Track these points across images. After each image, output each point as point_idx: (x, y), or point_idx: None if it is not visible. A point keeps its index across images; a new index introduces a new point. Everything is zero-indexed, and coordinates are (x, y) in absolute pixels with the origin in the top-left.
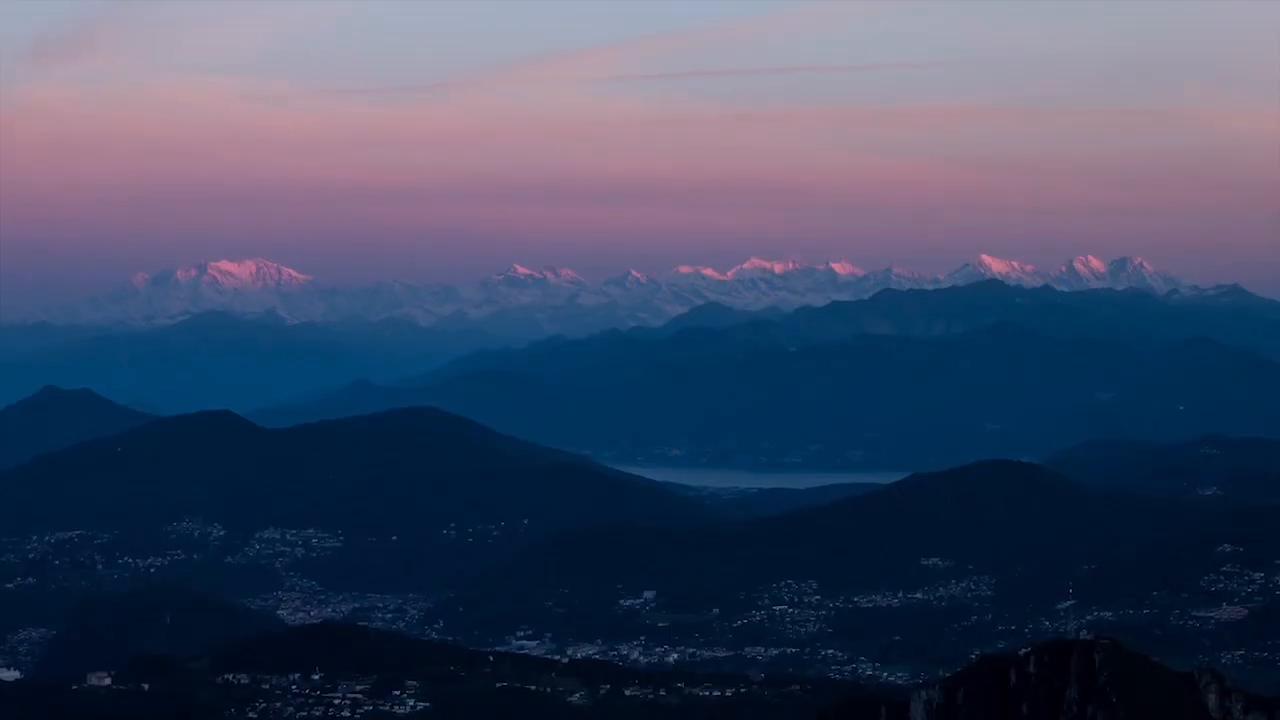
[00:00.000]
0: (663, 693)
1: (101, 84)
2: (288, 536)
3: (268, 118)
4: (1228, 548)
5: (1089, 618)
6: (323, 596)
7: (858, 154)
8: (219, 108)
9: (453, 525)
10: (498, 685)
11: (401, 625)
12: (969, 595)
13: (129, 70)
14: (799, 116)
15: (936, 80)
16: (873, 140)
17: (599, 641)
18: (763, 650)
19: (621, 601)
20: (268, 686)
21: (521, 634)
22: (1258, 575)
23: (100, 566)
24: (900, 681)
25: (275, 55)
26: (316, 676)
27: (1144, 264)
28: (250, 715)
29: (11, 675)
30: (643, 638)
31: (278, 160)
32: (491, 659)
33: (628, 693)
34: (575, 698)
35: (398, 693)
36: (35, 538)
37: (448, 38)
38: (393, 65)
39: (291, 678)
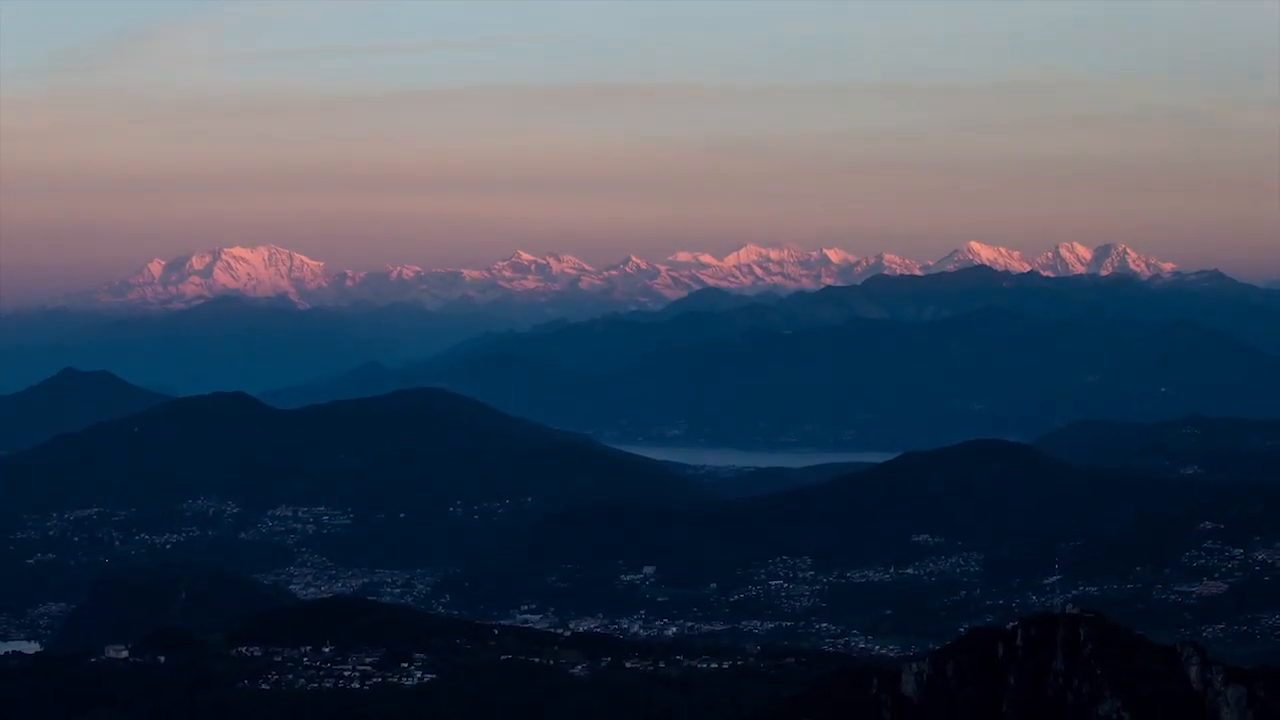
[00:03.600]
0: (662, 665)
1: None
2: (299, 514)
3: None
4: (1208, 525)
5: (1074, 592)
6: (333, 572)
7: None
8: None
9: (459, 503)
10: (502, 658)
11: (409, 599)
12: (958, 571)
13: None
14: (474, 93)
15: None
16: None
17: (600, 615)
18: (759, 624)
19: (622, 577)
20: (280, 659)
21: (525, 608)
22: (1237, 552)
23: (118, 543)
24: (891, 654)
25: None
26: (327, 649)
27: (1127, 250)
28: (263, 687)
29: (32, 648)
30: (643, 612)
31: None
32: (496, 632)
33: (628, 665)
34: (577, 670)
35: (405, 665)
36: (55, 515)
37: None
38: None
39: (303, 650)
